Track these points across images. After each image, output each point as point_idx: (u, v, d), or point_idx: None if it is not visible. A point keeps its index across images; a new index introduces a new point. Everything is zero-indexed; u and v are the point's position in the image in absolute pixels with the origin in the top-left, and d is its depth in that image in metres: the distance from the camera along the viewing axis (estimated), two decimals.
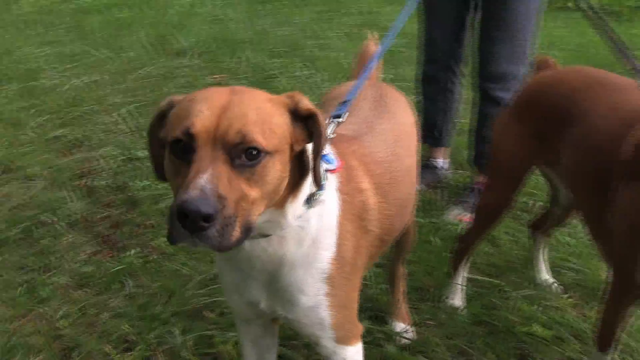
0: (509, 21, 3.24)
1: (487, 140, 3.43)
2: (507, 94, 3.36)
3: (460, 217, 3.39)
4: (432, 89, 3.64)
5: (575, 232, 3.27)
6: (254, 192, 1.27)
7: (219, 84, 5.02)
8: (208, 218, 1.17)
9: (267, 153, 1.28)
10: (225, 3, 8.41)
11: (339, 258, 1.58)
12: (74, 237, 2.95)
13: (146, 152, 3.69)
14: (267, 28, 7.06)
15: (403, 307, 2.53)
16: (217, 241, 1.20)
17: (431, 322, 2.60)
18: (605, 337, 2.08)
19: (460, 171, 3.93)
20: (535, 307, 2.69)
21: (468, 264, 2.77)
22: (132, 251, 2.83)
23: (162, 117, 1.41)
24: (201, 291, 2.63)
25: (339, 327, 1.63)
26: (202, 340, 2.38)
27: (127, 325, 2.41)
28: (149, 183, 3.40)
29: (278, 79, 5.21)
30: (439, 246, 3.07)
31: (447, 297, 2.73)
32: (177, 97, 1.41)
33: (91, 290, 2.62)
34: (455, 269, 2.73)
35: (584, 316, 2.67)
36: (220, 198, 1.19)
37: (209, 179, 1.20)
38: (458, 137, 4.01)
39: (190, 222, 1.16)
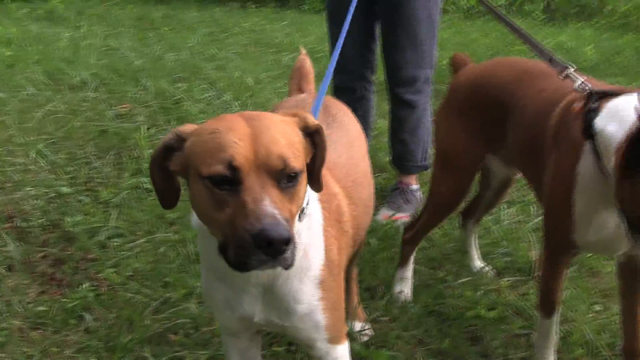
0: (413, 28, 3.45)
1: (405, 142, 3.67)
2: (417, 96, 3.60)
3: (390, 216, 3.57)
4: (348, 98, 3.78)
5: (499, 218, 3.54)
6: (294, 210, 1.38)
7: (128, 114, 5.00)
8: (288, 242, 1.27)
9: (301, 172, 1.39)
10: (111, 33, 8.30)
11: (328, 263, 1.68)
12: (16, 280, 2.88)
13: (71, 189, 3.67)
14: (161, 54, 7.04)
15: (358, 307, 2.67)
16: (291, 260, 1.32)
17: (385, 318, 2.75)
18: (548, 303, 2.30)
19: (383, 174, 4.12)
20: (477, 292, 2.91)
21: (414, 256, 2.96)
22: (84, 285, 2.80)
23: (168, 150, 1.46)
24: (161, 316, 2.66)
25: (331, 328, 1.73)
26: None
27: (94, 358, 2.40)
28: (81, 218, 3.36)
29: (186, 103, 5.23)
30: (377, 246, 3.24)
31: (398, 290, 2.90)
32: (186, 130, 1.46)
33: (48, 329, 2.58)
34: (405, 259, 2.91)
35: (521, 295, 2.92)
36: (286, 221, 1.29)
37: (272, 205, 1.28)
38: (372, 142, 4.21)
39: (275, 248, 1.26)
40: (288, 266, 1.33)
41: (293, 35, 8.62)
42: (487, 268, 3.13)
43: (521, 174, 2.70)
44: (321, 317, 1.69)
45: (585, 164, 1.99)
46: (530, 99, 2.33)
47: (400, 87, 3.59)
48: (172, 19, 9.64)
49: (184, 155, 1.43)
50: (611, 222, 2.00)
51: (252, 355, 1.95)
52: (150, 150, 4.22)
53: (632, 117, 1.73)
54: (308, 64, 2.50)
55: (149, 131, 4.60)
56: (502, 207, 3.53)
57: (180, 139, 1.45)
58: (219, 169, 1.32)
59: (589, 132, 1.94)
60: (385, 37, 3.59)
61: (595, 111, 1.94)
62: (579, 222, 2.06)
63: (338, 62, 3.82)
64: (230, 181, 1.33)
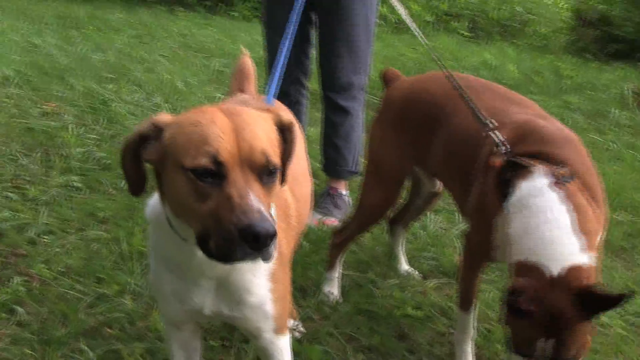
0: (351, 34, 3.55)
1: (338, 147, 3.76)
2: (351, 103, 3.71)
3: (320, 220, 3.66)
4: (283, 103, 3.85)
5: (426, 225, 3.70)
6: (271, 204, 1.44)
7: (54, 113, 4.90)
8: (274, 237, 1.32)
9: (279, 168, 1.45)
10: (34, 31, 8.05)
11: (279, 255, 1.74)
12: None
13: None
14: (87, 54, 6.91)
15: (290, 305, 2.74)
16: (273, 253, 1.37)
17: (317, 316, 2.84)
18: (466, 300, 2.48)
19: (314, 180, 4.20)
20: (405, 293, 3.05)
21: (343, 259, 3.06)
22: (14, 279, 2.76)
23: (143, 138, 1.48)
24: (95, 310, 2.66)
25: (278, 318, 1.80)
26: (109, 355, 2.42)
27: (28, 350, 2.38)
28: (9, 214, 3.30)
29: (114, 104, 5.18)
30: (309, 248, 3.33)
31: (327, 291, 2.99)
32: (164, 120, 1.48)
33: None
34: (332, 262, 3.01)
35: (446, 296, 3.08)
36: (270, 216, 1.34)
37: (257, 200, 1.33)
38: None
39: (261, 242, 1.31)
40: (269, 259, 1.38)
41: (223, 41, 8.62)
42: (414, 271, 3.28)
43: (442, 184, 2.86)
44: (270, 308, 1.75)
45: (500, 222, 2.18)
46: (462, 116, 2.43)
47: (335, 93, 3.68)
48: (97, 18, 9.44)
49: (162, 145, 1.45)
50: None
51: (194, 347, 1.99)
52: (80, 149, 4.17)
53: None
54: (249, 65, 2.55)
55: (77, 130, 4.53)
56: (428, 214, 3.69)
57: (158, 129, 1.47)
58: (204, 162, 1.35)
59: (502, 202, 2.15)
60: (322, 43, 3.68)
61: (509, 184, 2.13)
62: (499, 251, 2.24)
63: (273, 66, 3.92)
64: (213, 174, 1.36)
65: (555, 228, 1.99)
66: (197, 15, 10.97)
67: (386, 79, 2.94)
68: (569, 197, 2.03)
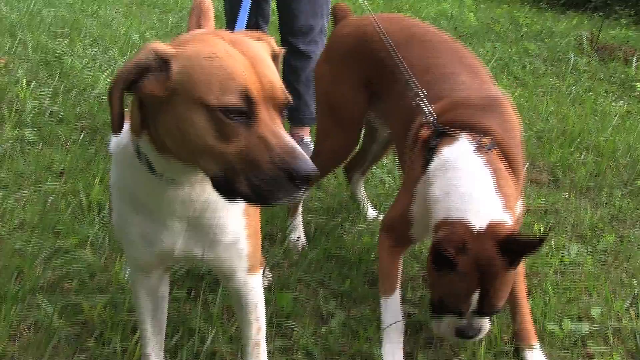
0: None
1: (300, 93, 3.66)
2: (312, 47, 3.59)
3: None
4: None
5: (392, 170, 3.64)
6: None
7: (4, 67, 4.69)
8: (317, 174, 1.28)
9: None
10: None
11: None
12: None
13: None
14: (39, 9, 6.63)
15: None
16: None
17: (285, 263, 2.78)
18: (388, 283, 2.36)
19: None
20: (374, 238, 2.97)
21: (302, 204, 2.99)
22: None
23: (142, 70, 1.31)
24: (53, 264, 2.55)
25: (252, 256, 1.73)
26: (68, 309, 2.33)
27: None
28: None
29: (68, 58, 4.97)
30: None
31: (294, 238, 2.92)
32: (168, 51, 1.32)
33: None
34: (294, 209, 2.94)
35: None
36: None
37: (291, 138, 1.28)
38: None
39: (309, 181, 1.26)
40: (303, 197, 1.31)
41: None
42: (381, 216, 3.22)
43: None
44: (244, 245, 1.69)
45: (421, 188, 2.20)
46: (413, 76, 2.34)
47: (295, 37, 3.56)
48: None
49: (171, 78, 1.30)
50: None
51: (162, 293, 1.90)
52: (34, 103, 4.00)
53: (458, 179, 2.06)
54: (207, 2, 2.43)
55: (30, 85, 4.34)
56: (394, 158, 3.62)
57: (162, 60, 1.31)
58: (234, 100, 1.26)
59: (426, 168, 2.17)
60: None
61: (432, 151, 2.15)
62: (416, 225, 2.27)
63: (231, 13, 3.78)
64: (242, 112, 1.27)
65: (478, 187, 2.04)
66: None
67: (336, 15, 2.84)
68: (490, 162, 2.08)
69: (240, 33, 1.52)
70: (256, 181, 1.27)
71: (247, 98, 1.27)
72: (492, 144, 2.12)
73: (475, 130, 2.15)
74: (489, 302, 1.99)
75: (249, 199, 1.31)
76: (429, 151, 2.17)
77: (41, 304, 2.31)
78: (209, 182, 1.36)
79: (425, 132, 2.23)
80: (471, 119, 2.18)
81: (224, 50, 1.31)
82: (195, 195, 1.53)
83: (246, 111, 1.27)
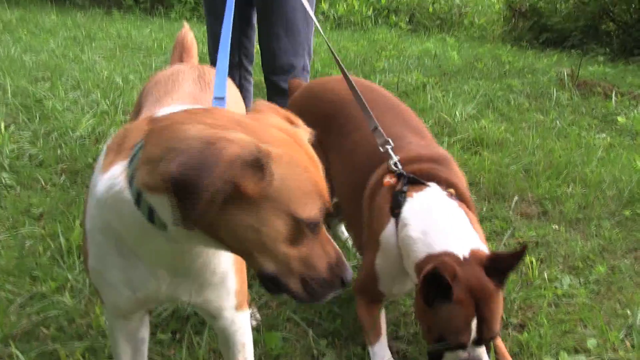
0: (289, 16, 3.40)
1: None
2: None
3: None
4: None
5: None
6: None
7: None
8: None
9: None
10: None
11: None
12: None
13: None
14: (20, 55, 6.62)
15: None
16: None
17: (274, 303, 2.69)
18: (372, 333, 2.35)
19: None
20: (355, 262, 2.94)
21: None
22: None
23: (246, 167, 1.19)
24: (29, 310, 2.44)
25: (239, 293, 1.68)
26: (44, 358, 2.22)
27: None
28: None
29: (49, 101, 4.93)
30: None
31: None
32: (272, 152, 1.23)
33: None
34: None
35: None
36: None
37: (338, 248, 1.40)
38: None
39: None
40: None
41: (162, 40, 8.40)
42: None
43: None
44: (232, 282, 1.63)
45: (388, 234, 2.23)
46: (363, 136, 2.42)
47: (277, 75, 3.53)
48: (29, 22, 9.10)
49: (269, 182, 1.22)
50: (409, 281, 2.27)
51: (141, 337, 1.80)
52: (14, 145, 3.93)
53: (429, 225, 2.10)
54: (190, 37, 2.44)
55: (9, 129, 4.27)
56: None
57: (262, 162, 1.21)
58: (319, 215, 1.31)
59: (395, 212, 2.21)
60: (261, 25, 3.53)
61: (403, 195, 2.21)
62: (382, 279, 2.32)
63: (215, 52, 3.76)
64: (318, 224, 1.33)
65: (456, 223, 2.13)
66: (134, 17, 10.71)
67: (291, 89, 3.00)
68: (461, 206, 2.21)
69: (275, 112, 1.54)
70: (311, 282, 1.34)
71: (325, 210, 1.33)
72: (457, 195, 2.25)
73: (438, 180, 2.26)
74: (487, 327, 1.97)
75: (298, 297, 1.36)
76: (398, 195, 2.22)
77: (13, 354, 2.19)
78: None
79: (390, 179, 2.27)
80: (432, 171, 2.30)
81: (306, 158, 1.33)
82: (189, 247, 1.45)
83: (320, 222, 1.34)
